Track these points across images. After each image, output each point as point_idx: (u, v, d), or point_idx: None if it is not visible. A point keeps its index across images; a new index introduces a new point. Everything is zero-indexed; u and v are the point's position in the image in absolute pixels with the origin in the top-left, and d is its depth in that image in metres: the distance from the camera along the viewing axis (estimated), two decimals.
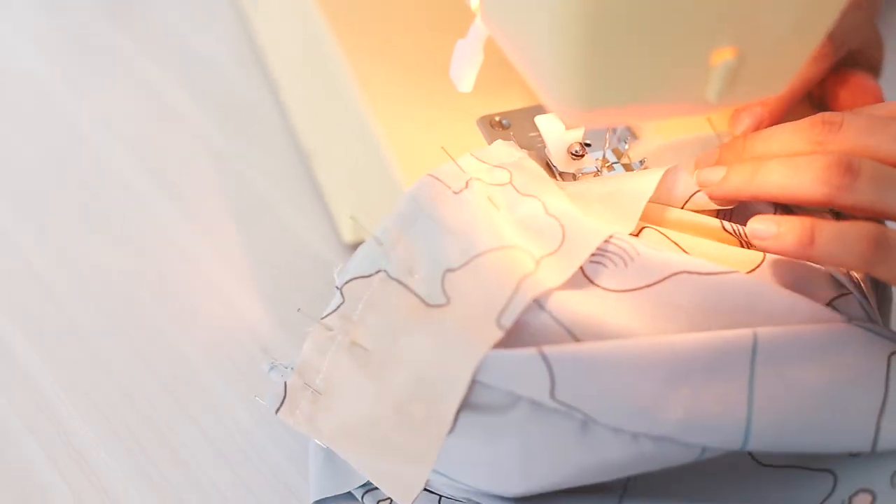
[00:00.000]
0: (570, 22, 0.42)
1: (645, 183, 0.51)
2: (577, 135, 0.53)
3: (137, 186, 0.70)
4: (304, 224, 0.68)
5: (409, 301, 0.47)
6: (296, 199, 0.69)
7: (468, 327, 0.46)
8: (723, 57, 0.45)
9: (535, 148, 0.55)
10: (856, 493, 0.47)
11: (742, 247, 0.51)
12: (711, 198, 0.51)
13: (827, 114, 0.51)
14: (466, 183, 0.50)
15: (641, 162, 0.55)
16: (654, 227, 0.50)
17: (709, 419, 0.44)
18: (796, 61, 0.48)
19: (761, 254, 0.50)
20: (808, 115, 0.52)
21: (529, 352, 0.44)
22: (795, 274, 0.49)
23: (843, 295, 0.49)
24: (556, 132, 0.53)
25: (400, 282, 0.48)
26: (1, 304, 0.63)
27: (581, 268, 0.47)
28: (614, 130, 0.54)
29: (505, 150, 0.53)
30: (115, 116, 0.74)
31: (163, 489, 0.56)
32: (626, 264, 0.47)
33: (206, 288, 0.65)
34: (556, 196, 0.50)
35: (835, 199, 0.48)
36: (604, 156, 0.54)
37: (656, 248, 0.48)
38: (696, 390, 0.45)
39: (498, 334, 0.45)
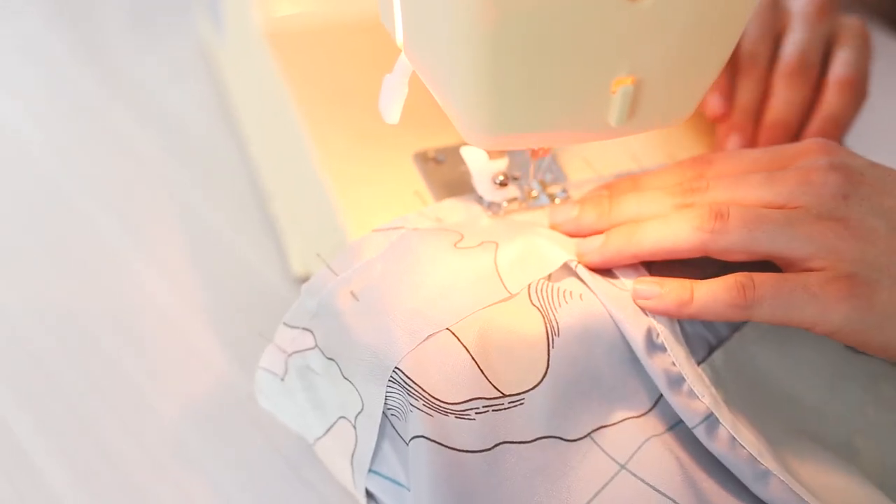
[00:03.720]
0: (474, 52, 0.46)
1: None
2: (500, 165, 0.56)
3: (102, 227, 0.73)
4: (259, 258, 0.71)
5: None
6: (253, 237, 0.73)
7: None
8: (622, 84, 0.48)
9: (466, 181, 0.59)
10: None
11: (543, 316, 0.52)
12: (590, 266, 0.53)
13: (691, 179, 0.54)
14: (286, 366, 0.54)
15: (564, 191, 0.58)
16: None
17: None
18: (696, 91, 0.51)
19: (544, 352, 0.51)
20: None
21: None
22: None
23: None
24: (480, 162, 0.56)
25: None
26: None
27: None
28: (537, 161, 0.57)
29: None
30: (87, 160, 0.78)
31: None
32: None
33: (162, 321, 0.68)
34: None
35: (709, 244, 0.50)
36: (528, 185, 0.57)
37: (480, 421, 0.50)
38: None
39: None
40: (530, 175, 0.57)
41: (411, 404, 0.49)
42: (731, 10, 0.48)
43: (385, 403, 0.50)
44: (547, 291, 0.52)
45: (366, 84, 0.64)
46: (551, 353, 0.50)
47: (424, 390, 0.49)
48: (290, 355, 0.54)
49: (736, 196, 0.52)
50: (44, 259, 0.71)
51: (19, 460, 0.60)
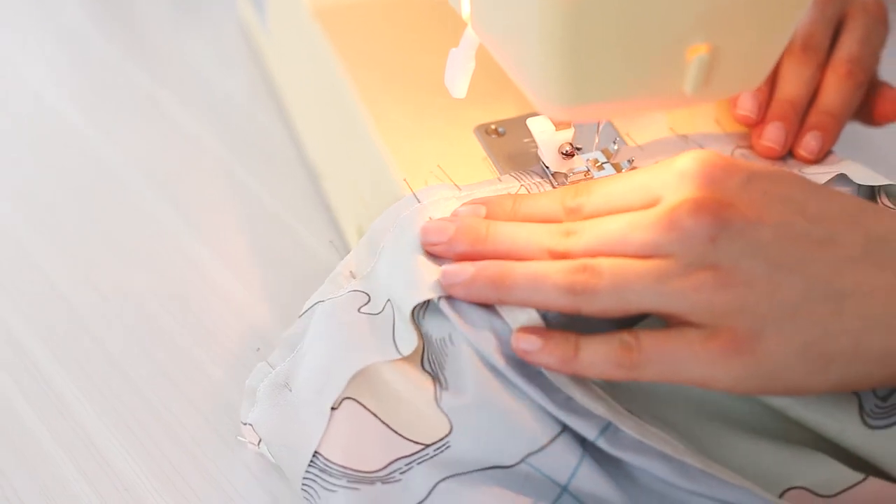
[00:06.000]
0: (553, 23, 0.46)
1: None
2: (567, 135, 0.56)
3: (158, 211, 0.73)
4: (315, 239, 0.71)
5: None
6: (306, 217, 0.73)
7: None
8: (697, 52, 0.48)
9: (530, 152, 0.58)
10: None
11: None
12: (455, 296, 0.51)
13: (566, 223, 0.51)
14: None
15: (630, 161, 0.58)
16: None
17: None
18: (769, 57, 0.51)
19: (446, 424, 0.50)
20: None
21: None
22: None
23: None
24: (546, 133, 0.56)
25: None
26: (29, 324, 0.66)
27: None
28: (598, 129, 0.57)
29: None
30: (136, 146, 0.78)
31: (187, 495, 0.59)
32: None
33: (221, 303, 0.68)
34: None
35: (582, 307, 0.48)
36: (594, 157, 0.57)
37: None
38: None
39: None
40: (594, 145, 0.57)
41: (334, 484, 0.49)
42: None
43: (305, 491, 0.50)
44: (435, 351, 0.51)
45: (419, 57, 0.64)
46: (442, 406, 0.50)
47: (345, 466, 0.49)
48: (257, 446, 0.56)
49: (606, 245, 0.49)
50: (103, 244, 0.71)
51: (79, 434, 0.60)
